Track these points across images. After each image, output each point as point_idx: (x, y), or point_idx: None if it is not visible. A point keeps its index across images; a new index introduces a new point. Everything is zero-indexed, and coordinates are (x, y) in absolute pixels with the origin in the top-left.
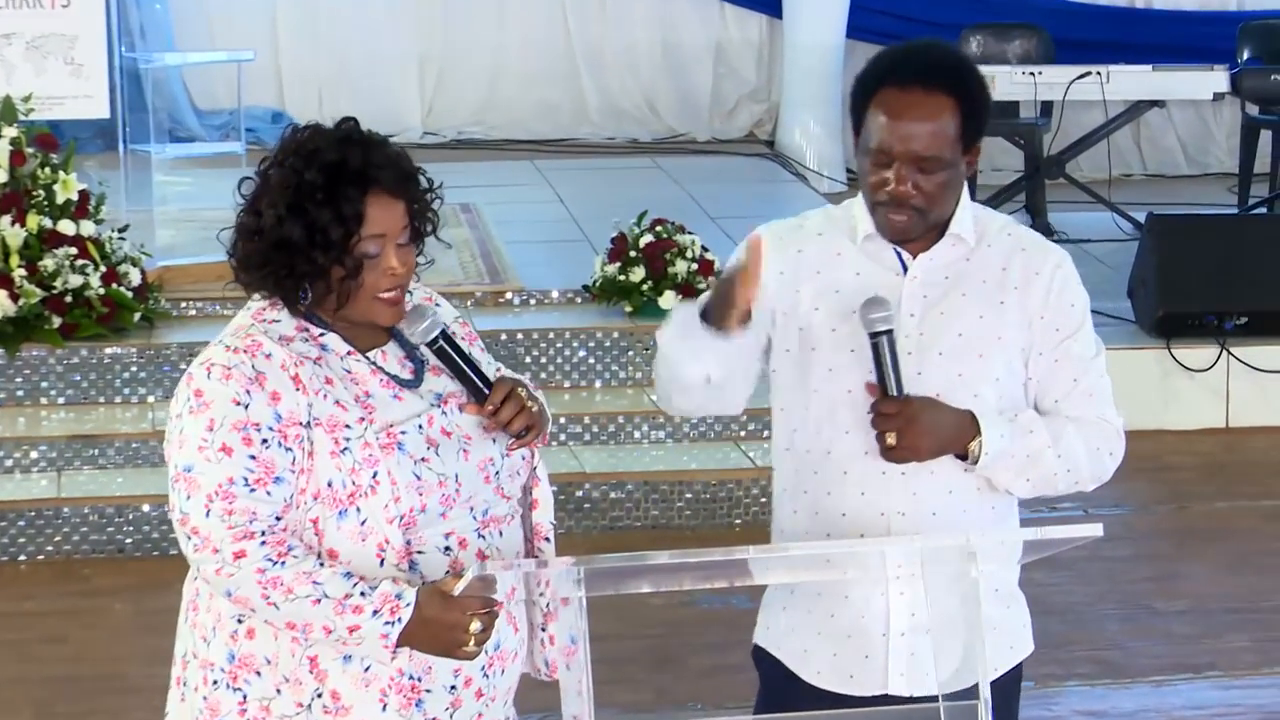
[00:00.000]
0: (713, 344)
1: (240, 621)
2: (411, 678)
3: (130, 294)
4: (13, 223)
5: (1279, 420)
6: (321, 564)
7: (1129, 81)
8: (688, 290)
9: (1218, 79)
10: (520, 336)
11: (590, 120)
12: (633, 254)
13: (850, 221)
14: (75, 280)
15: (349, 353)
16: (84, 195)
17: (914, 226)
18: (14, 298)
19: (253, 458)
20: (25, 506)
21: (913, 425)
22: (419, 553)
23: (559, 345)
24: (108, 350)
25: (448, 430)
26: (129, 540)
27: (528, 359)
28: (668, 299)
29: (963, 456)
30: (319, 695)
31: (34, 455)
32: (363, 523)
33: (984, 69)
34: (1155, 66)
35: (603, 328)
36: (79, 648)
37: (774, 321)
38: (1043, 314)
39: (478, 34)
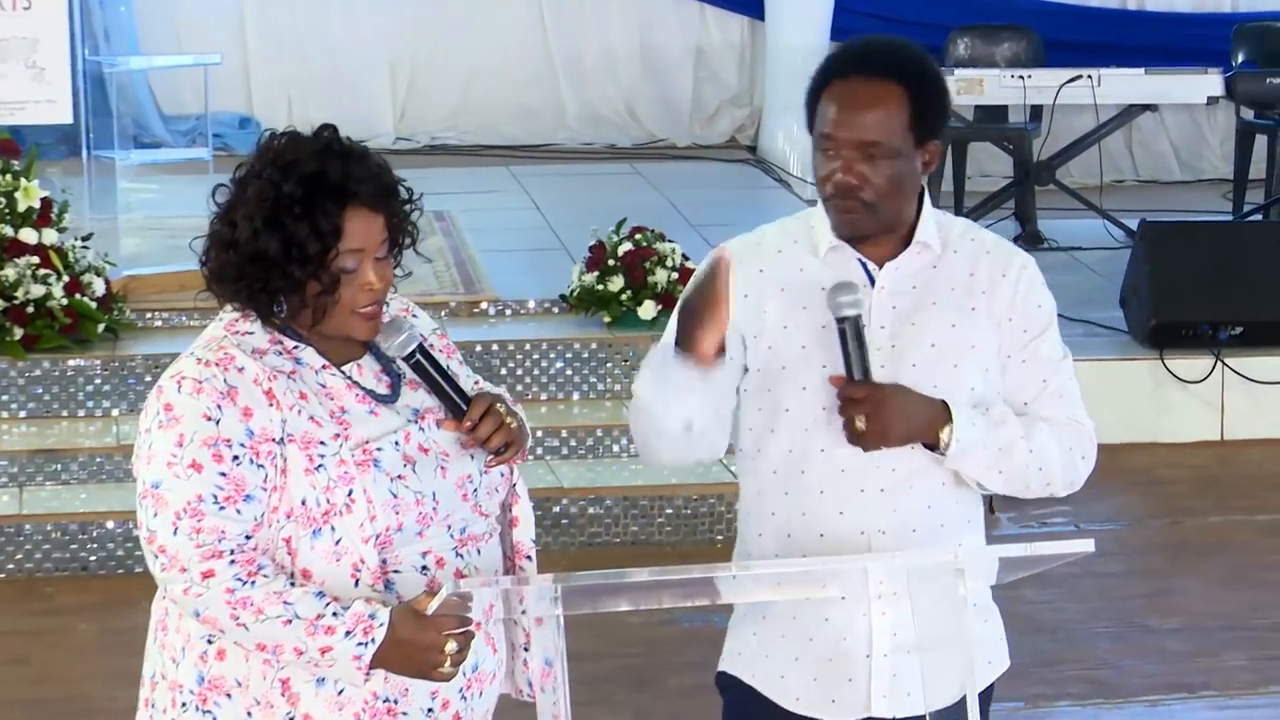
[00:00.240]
0: (691, 383)
1: (210, 642)
2: (386, 700)
3: (94, 304)
4: None
5: (1275, 432)
6: (293, 584)
7: (1121, 85)
8: (668, 300)
9: (1212, 82)
10: (496, 348)
11: (568, 125)
12: (611, 263)
13: (810, 234)
14: (37, 290)
15: (324, 366)
16: (46, 203)
17: (864, 220)
18: None
19: (223, 475)
20: None
21: (882, 409)
22: (395, 572)
23: (535, 357)
24: (71, 362)
25: (425, 447)
26: (93, 558)
27: (503, 371)
28: (647, 309)
29: (932, 446)
30: (291, 719)
31: None
32: (337, 542)
33: (972, 72)
34: (1148, 69)
35: (580, 339)
36: (42, 669)
37: (745, 346)
38: (1010, 315)
39: (452, 36)
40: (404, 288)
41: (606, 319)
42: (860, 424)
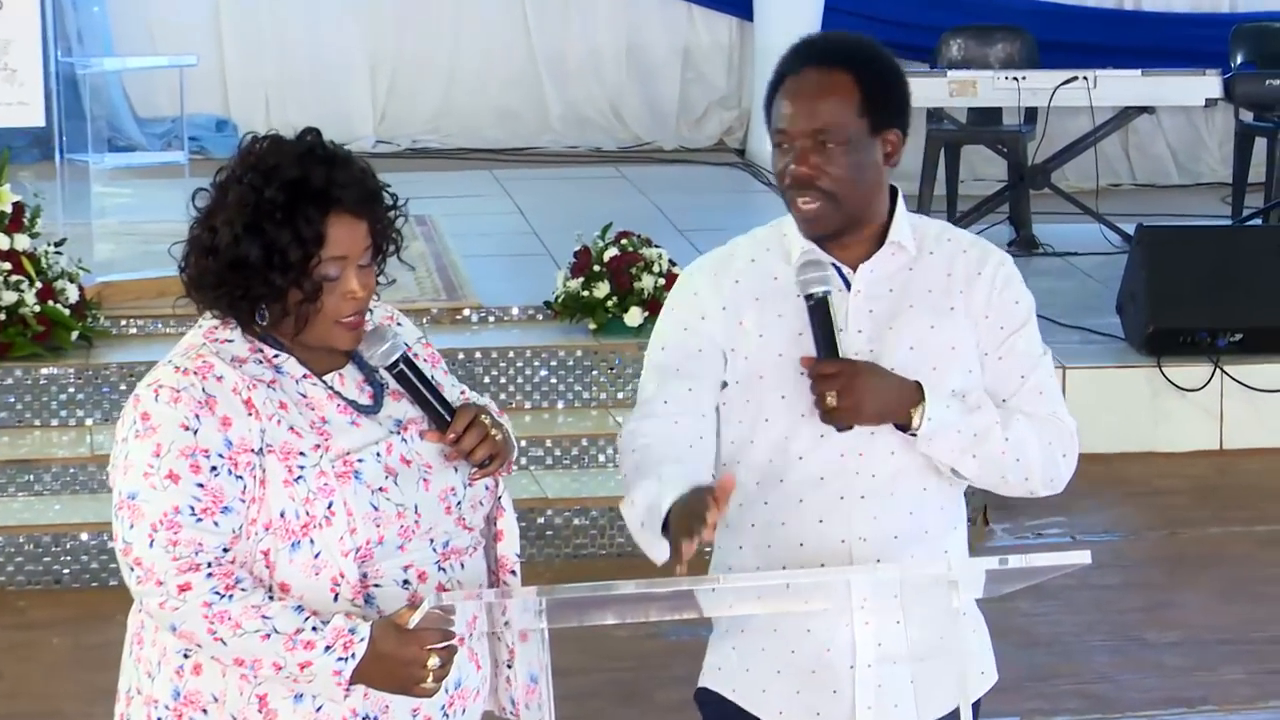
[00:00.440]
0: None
1: (186, 656)
2: (367, 717)
3: (67, 311)
4: None
5: (1274, 442)
6: (271, 597)
7: (1117, 87)
8: (654, 306)
9: (1210, 84)
10: (478, 355)
11: (552, 128)
12: (597, 268)
13: (783, 242)
14: (9, 297)
15: (305, 376)
16: (18, 207)
17: (825, 213)
18: None
19: (200, 486)
20: None
21: (853, 383)
22: (375, 586)
23: (519, 365)
24: (43, 370)
25: (407, 458)
26: (66, 571)
27: (486, 379)
28: (633, 315)
29: (904, 428)
30: None
31: None
32: (316, 555)
33: (965, 74)
34: (1145, 71)
35: (565, 346)
36: (14, 684)
37: (725, 360)
38: (987, 313)
39: (433, 37)
40: (386, 294)
41: (592, 326)
42: (831, 400)
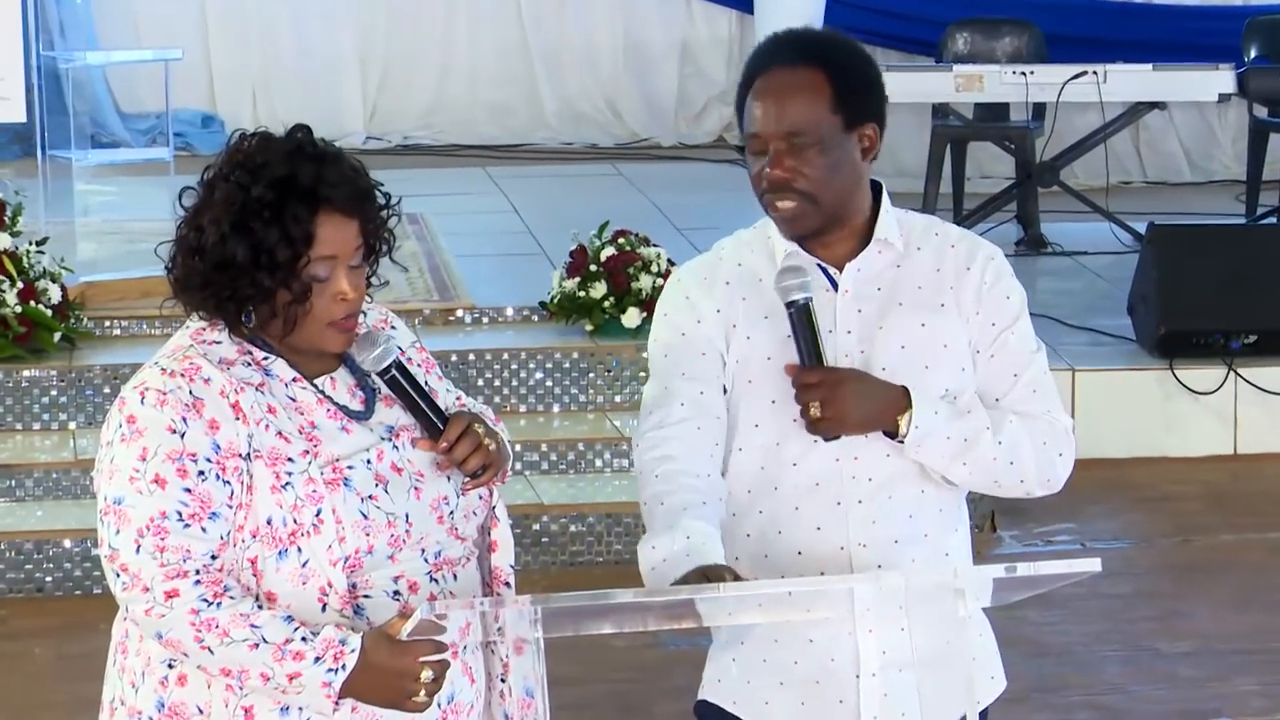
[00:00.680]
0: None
1: (171, 666)
2: None
3: (49, 312)
4: None
5: None
6: (260, 606)
7: (1128, 81)
8: (652, 307)
9: (1223, 79)
10: (472, 358)
11: (547, 124)
12: (593, 268)
13: (767, 243)
14: None
15: (295, 379)
16: None
17: (805, 214)
18: None
19: (188, 491)
20: None
21: (836, 393)
22: (365, 597)
23: (514, 367)
24: (25, 373)
25: (398, 466)
26: (49, 579)
27: (480, 382)
28: (631, 316)
29: (892, 434)
30: None
31: None
32: (304, 564)
33: (971, 68)
34: (1156, 65)
35: (561, 348)
36: None
37: (724, 364)
38: (978, 309)
39: (425, 30)
40: (375, 293)
41: (588, 327)
42: (815, 410)
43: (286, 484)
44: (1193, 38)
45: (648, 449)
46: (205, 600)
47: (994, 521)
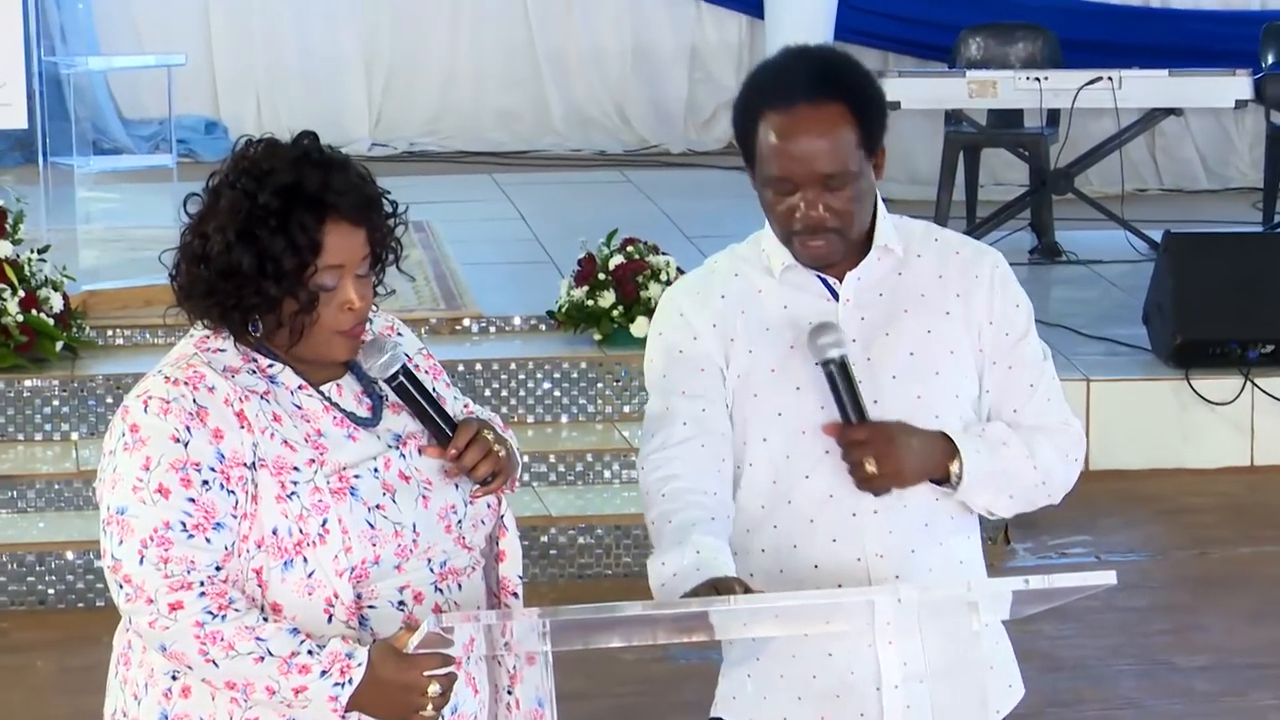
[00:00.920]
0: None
1: (175, 678)
2: None
3: (51, 321)
4: None
5: None
6: (265, 618)
7: (1143, 87)
8: None
9: (1240, 84)
10: (479, 367)
11: (554, 130)
12: (602, 277)
13: (761, 256)
14: None
15: (300, 387)
16: (0, 213)
17: (835, 250)
18: None
19: (192, 500)
20: None
21: (891, 447)
22: (370, 607)
23: (521, 377)
24: (27, 382)
25: (406, 474)
26: (51, 591)
27: (487, 392)
28: (640, 326)
29: (939, 480)
30: None
31: None
32: (310, 574)
33: (985, 74)
34: (1172, 71)
35: (569, 357)
36: None
37: (724, 378)
38: (990, 319)
39: (430, 35)
40: (381, 302)
41: (597, 336)
42: (871, 467)
43: (292, 493)
44: (1209, 43)
45: (652, 470)
46: (210, 612)
47: (1008, 534)
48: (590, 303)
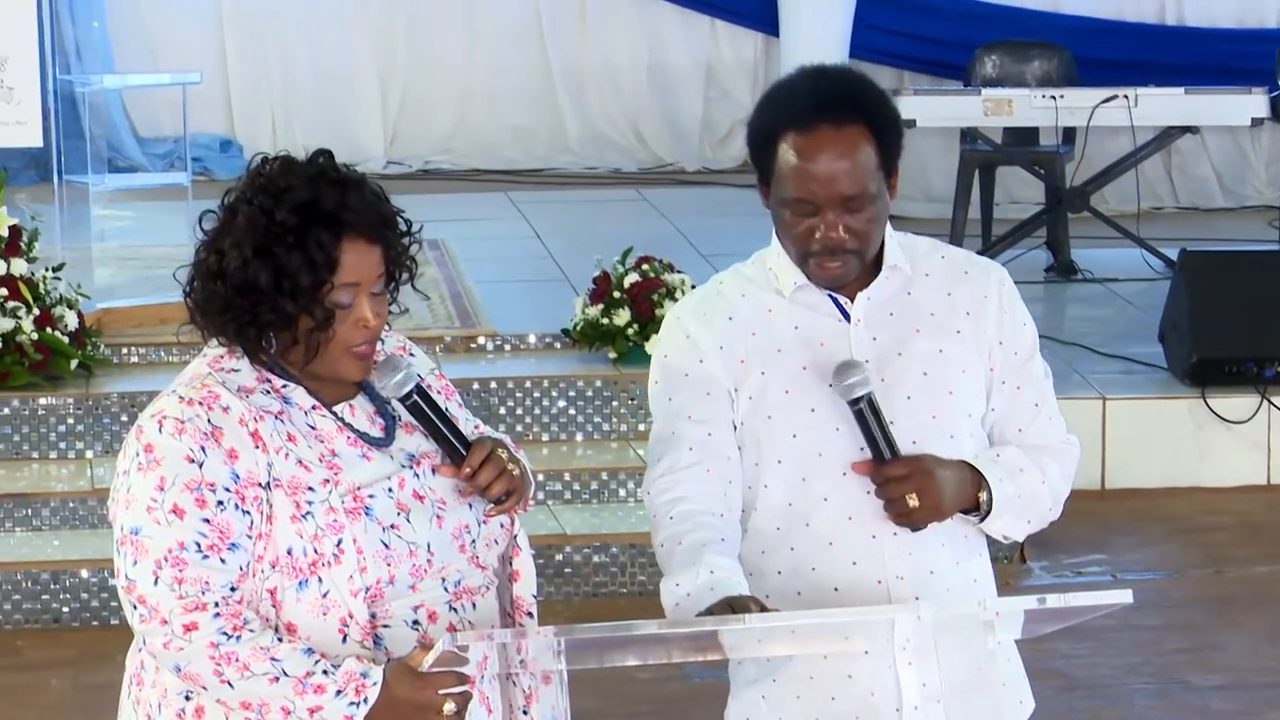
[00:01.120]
0: None
1: (188, 699)
2: None
3: (66, 339)
4: None
5: None
6: (280, 639)
7: (1159, 105)
8: None
9: (1256, 103)
10: (494, 385)
11: (569, 148)
12: (617, 295)
13: (769, 277)
14: (6, 324)
15: (314, 407)
16: (15, 231)
17: (851, 270)
18: None
19: (206, 521)
20: None
21: (930, 481)
22: (384, 627)
23: (536, 395)
24: (42, 401)
25: (420, 494)
26: (66, 609)
27: (502, 410)
28: (654, 344)
29: (969, 510)
30: None
31: None
32: (324, 594)
33: (1001, 92)
34: (1188, 89)
35: (584, 375)
36: None
37: (732, 400)
38: (1000, 339)
39: (445, 53)
40: (397, 322)
41: (612, 355)
42: (913, 501)
43: (307, 513)
44: (1225, 61)
45: (659, 493)
46: (224, 633)
47: (1023, 553)
48: (605, 321)
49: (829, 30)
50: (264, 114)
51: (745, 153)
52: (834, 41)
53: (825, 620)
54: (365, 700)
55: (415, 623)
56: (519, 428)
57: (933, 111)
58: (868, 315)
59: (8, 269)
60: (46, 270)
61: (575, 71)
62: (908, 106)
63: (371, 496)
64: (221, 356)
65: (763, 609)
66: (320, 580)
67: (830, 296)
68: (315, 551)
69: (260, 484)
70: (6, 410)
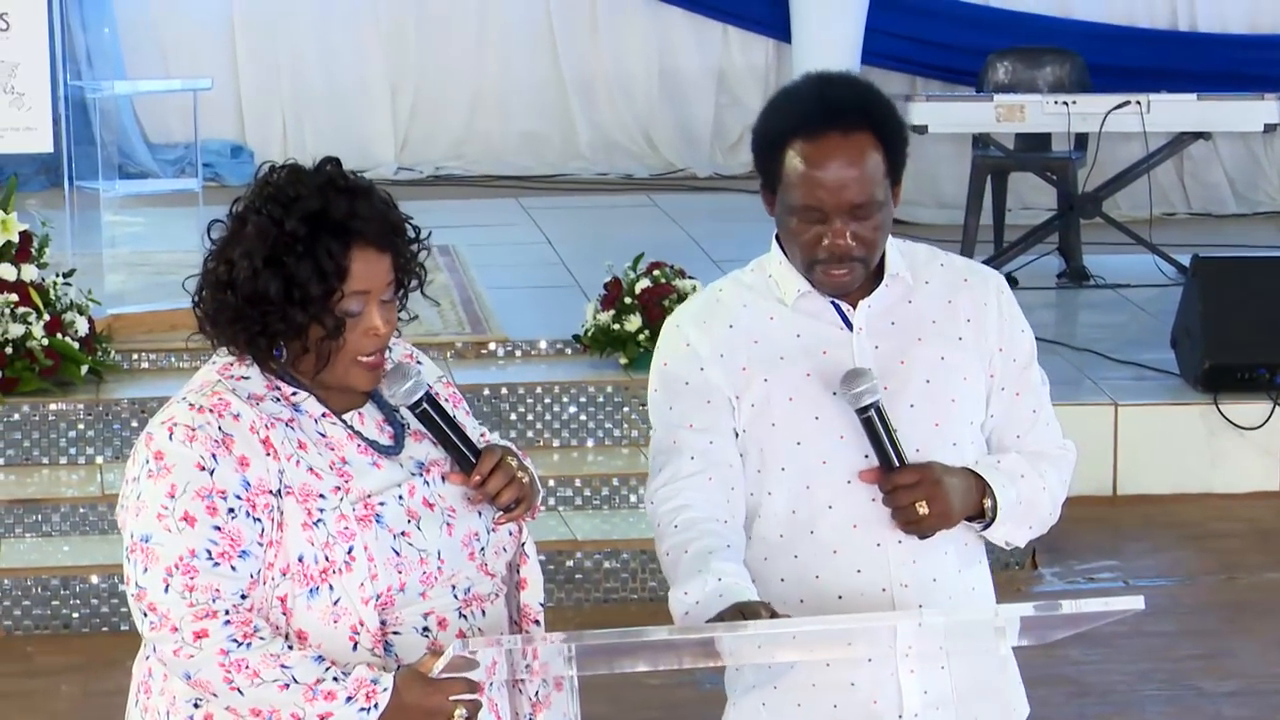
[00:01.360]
0: None
1: (197, 706)
2: None
3: (77, 345)
4: None
5: None
6: (290, 646)
7: (1171, 111)
8: None
9: (1269, 109)
10: (505, 391)
11: (580, 154)
12: (628, 301)
13: (769, 284)
14: (16, 330)
15: (324, 415)
16: (26, 237)
17: (856, 278)
18: None
19: (217, 528)
20: None
21: (939, 489)
22: (395, 634)
23: (547, 401)
24: (52, 406)
25: (430, 501)
26: (75, 615)
27: (513, 416)
28: None
29: (973, 517)
30: None
31: None
32: (335, 602)
33: (1013, 98)
34: (1200, 95)
35: (595, 381)
36: None
37: (733, 408)
38: (1000, 346)
39: (456, 59)
40: (407, 328)
41: (623, 360)
42: (923, 508)
43: (318, 521)
44: (1238, 67)
45: (662, 502)
46: (235, 641)
47: (1035, 559)
48: (616, 327)
49: (841, 36)
50: (275, 120)
51: None
52: (846, 47)
53: (828, 626)
54: (376, 706)
55: (425, 630)
56: (530, 434)
57: (945, 117)
58: (870, 323)
59: (18, 274)
60: (57, 276)
61: (586, 77)
62: (919, 112)
63: (382, 504)
64: (231, 364)
65: (774, 614)
66: (331, 588)
67: (834, 304)
68: (326, 559)
69: (271, 491)
70: (17, 416)
